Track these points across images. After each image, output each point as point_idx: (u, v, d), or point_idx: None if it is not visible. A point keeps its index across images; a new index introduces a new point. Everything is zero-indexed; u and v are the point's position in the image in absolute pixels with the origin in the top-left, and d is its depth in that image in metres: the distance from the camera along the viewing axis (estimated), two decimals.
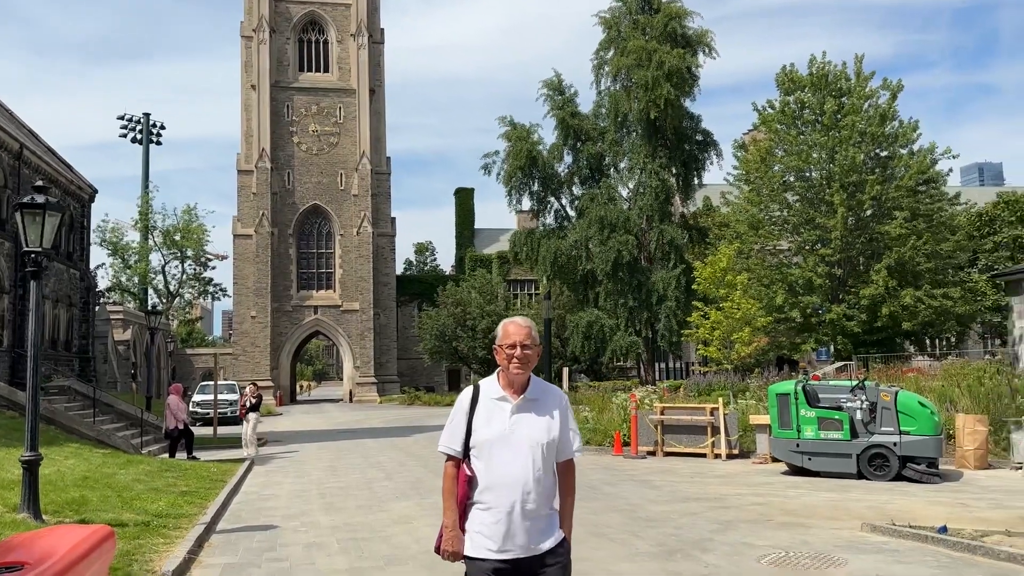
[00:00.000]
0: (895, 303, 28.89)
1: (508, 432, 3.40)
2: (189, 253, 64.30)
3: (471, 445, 3.45)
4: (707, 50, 37.33)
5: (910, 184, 29.65)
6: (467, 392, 3.60)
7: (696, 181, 38.54)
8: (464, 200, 71.17)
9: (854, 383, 14.23)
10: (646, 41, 35.93)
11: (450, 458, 3.53)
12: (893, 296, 29.03)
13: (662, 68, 34.98)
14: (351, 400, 61.10)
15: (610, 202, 38.14)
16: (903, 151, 30.81)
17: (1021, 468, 13.41)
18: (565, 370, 27.56)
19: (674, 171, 37.56)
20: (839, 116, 30.20)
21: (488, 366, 53.77)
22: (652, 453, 17.78)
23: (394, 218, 66.31)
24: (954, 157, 31.22)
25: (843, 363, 27.29)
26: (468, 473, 3.44)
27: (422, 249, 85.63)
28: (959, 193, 34.15)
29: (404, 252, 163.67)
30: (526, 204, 41.89)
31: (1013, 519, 9.30)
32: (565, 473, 3.56)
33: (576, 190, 41.72)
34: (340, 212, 63.26)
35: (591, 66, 39.80)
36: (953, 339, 37.53)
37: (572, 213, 41.42)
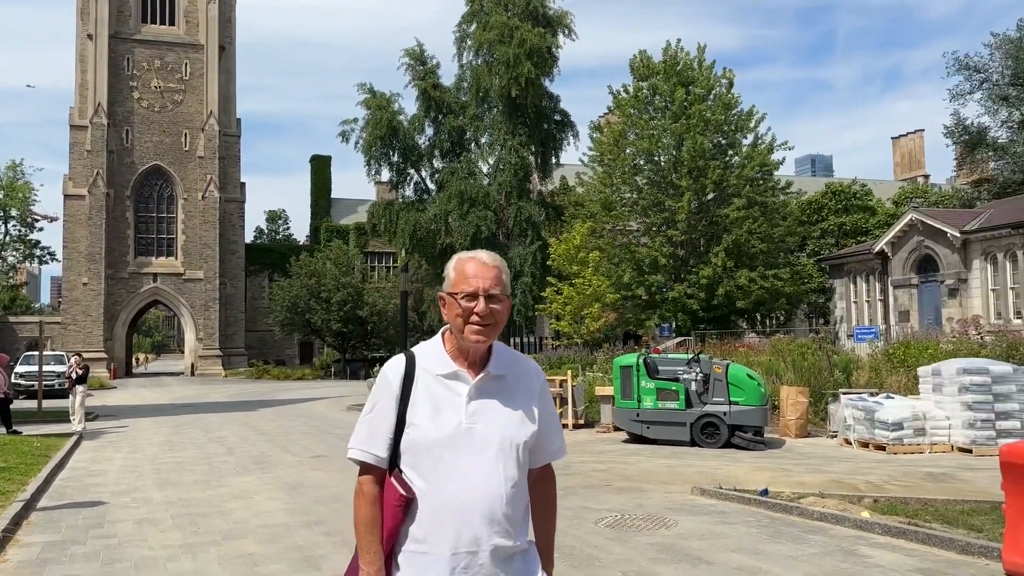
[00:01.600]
0: (731, 283, 30.72)
1: (465, 428, 2.19)
2: (14, 213, 58.98)
3: (403, 449, 2.23)
4: (567, 31, 37.93)
5: (749, 174, 31.49)
6: (395, 365, 2.30)
7: (554, 160, 39.23)
8: (320, 168, 69.07)
9: (690, 356, 15.05)
10: (508, 17, 36.03)
11: (367, 469, 2.26)
12: (729, 276, 30.84)
13: (523, 46, 35.23)
14: (193, 374, 58.36)
15: (470, 177, 38.17)
16: (745, 141, 32.65)
17: (836, 436, 14.66)
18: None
19: (533, 149, 38.02)
20: (687, 104, 31.58)
21: (343, 341, 52.90)
22: None
23: (244, 183, 63.51)
24: (790, 149, 33.45)
25: (682, 338, 28.77)
26: (401, 493, 2.19)
27: (275, 217, 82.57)
28: (791, 182, 36.60)
29: (255, 220, 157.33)
30: (385, 175, 41.22)
31: (826, 482, 10.17)
32: (543, 484, 2.40)
33: (437, 163, 41.44)
34: (184, 174, 59.87)
35: (454, 38, 39.55)
36: (782, 318, 40.38)
37: (432, 186, 41.14)
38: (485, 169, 39.34)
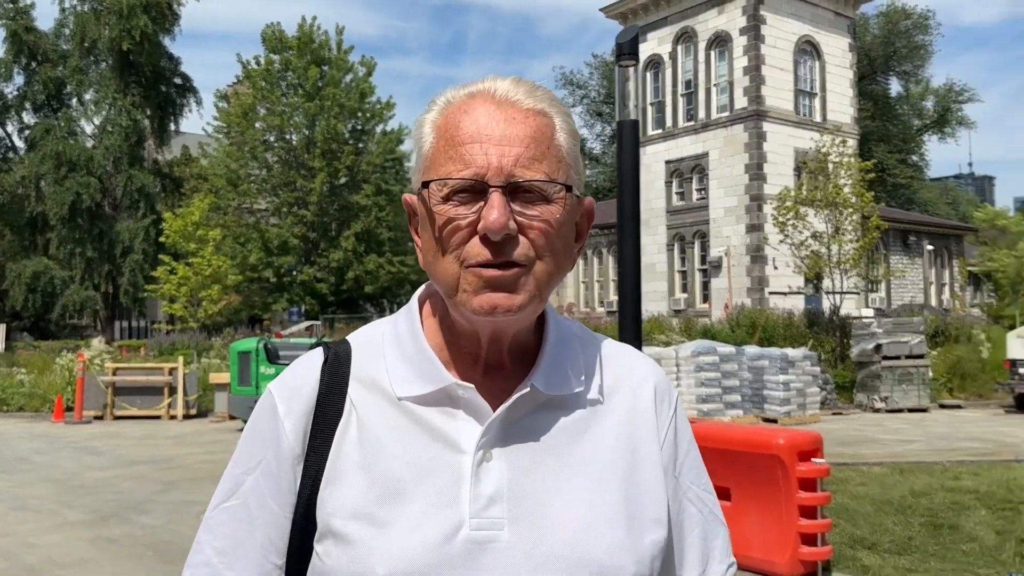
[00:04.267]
0: (360, 268, 31.23)
1: (470, 544, 0.86)
2: None
3: None
4: None
5: (378, 161, 32.23)
6: (294, 382, 0.98)
7: (173, 127, 36.19)
8: None
9: (313, 340, 14.96)
10: None
11: None
12: (359, 261, 31.31)
13: None
14: None
15: (70, 136, 33.60)
16: (378, 129, 33.32)
17: None
18: (2, 327, 23.59)
19: (149, 112, 34.63)
20: (321, 84, 31.30)
21: None
22: (100, 418, 16.29)
23: None
24: None
25: (311, 323, 28.55)
26: None
27: None
28: None
29: None
30: None
31: None
32: None
33: (28, 118, 35.82)
34: None
35: None
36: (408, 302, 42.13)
37: (21, 144, 35.47)
38: (89, 130, 34.97)
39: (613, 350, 1.02)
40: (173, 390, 16.44)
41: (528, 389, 0.90)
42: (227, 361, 17.84)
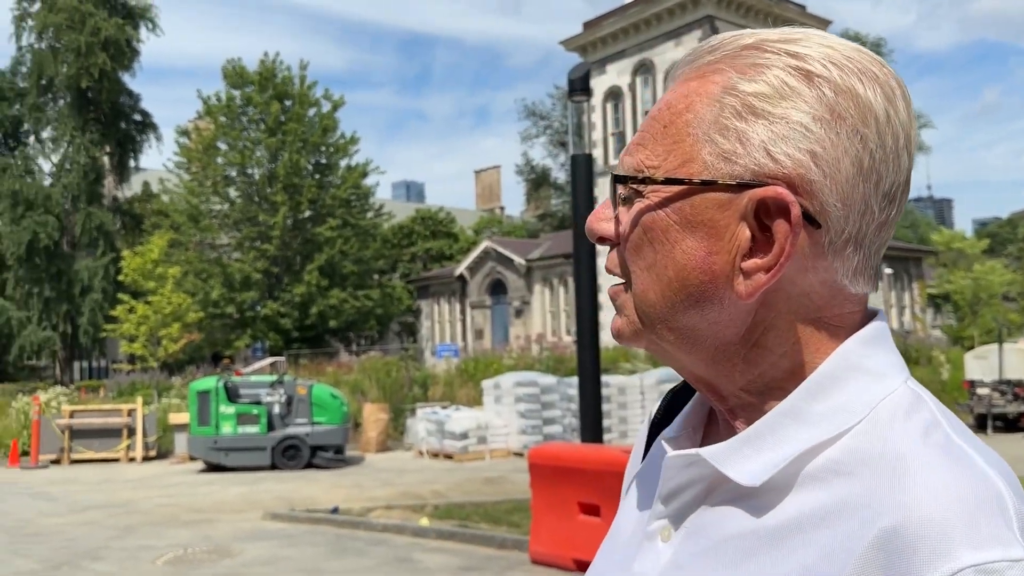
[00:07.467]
0: (324, 302, 30.98)
1: None
2: None
3: None
4: (151, 25, 35.16)
5: (343, 195, 32.17)
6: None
7: (133, 163, 35.87)
8: None
9: (274, 378, 14.74)
10: (80, 2, 32.20)
11: None
12: (323, 295, 31.07)
13: (98, 35, 31.74)
14: None
15: (27, 175, 33.15)
16: (343, 163, 33.31)
17: (412, 449, 15.47)
18: None
19: (108, 149, 34.33)
20: (283, 119, 31.27)
21: None
22: (57, 462, 15.83)
23: None
24: (382, 173, 34.98)
25: (275, 359, 28.19)
26: None
27: None
28: (383, 205, 38.24)
29: None
30: None
31: (396, 494, 10.64)
32: None
33: None
34: None
35: (12, 16, 34.20)
36: (375, 336, 41.82)
37: None
38: (47, 168, 34.52)
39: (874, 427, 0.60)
40: (132, 432, 16.06)
41: (690, 452, 0.64)
42: (187, 401, 17.51)
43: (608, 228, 0.67)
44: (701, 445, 0.68)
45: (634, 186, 0.64)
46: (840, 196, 0.59)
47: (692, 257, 0.62)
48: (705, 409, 0.73)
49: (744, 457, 0.61)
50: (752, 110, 0.60)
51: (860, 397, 0.61)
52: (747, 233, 0.60)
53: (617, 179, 0.65)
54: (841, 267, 0.61)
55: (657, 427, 0.77)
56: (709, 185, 0.61)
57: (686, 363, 0.66)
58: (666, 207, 0.63)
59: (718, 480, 0.63)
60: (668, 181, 0.62)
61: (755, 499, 0.61)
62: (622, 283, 0.67)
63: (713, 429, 0.71)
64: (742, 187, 0.60)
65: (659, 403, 0.80)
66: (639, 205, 0.64)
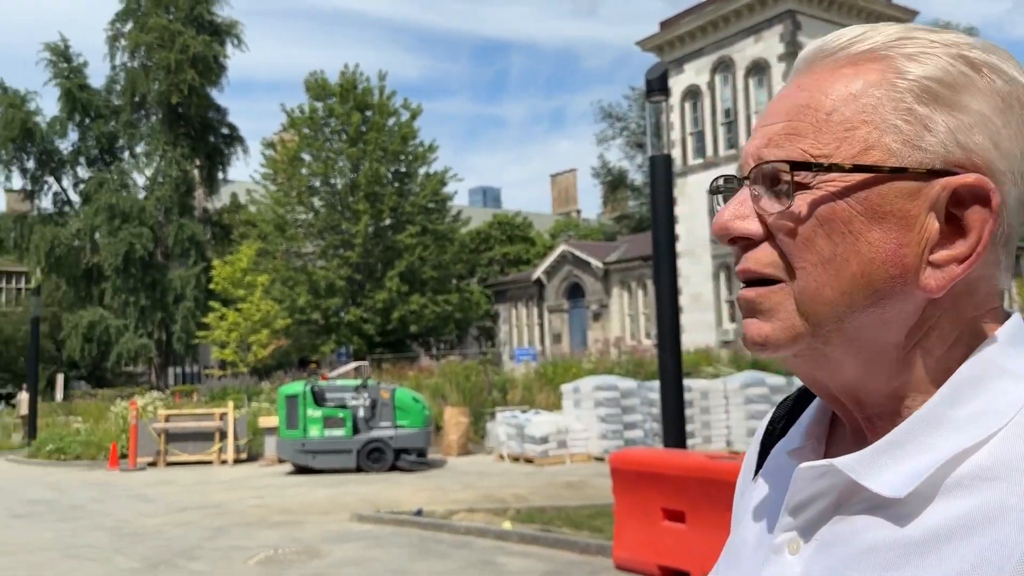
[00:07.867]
0: (405, 308, 31.49)
1: None
2: None
3: None
4: (236, 41, 36.49)
5: (422, 202, 32.68)
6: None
7: (221, 176, 37.29)
8: None
9: (358, 382, 15.04)
10: (169, 21, 33.67)
11: None
12: (404, 301, 31.59)
13: (187, 52, 33.12)
14: None
15: (123, 189, 34.80)
16: (421, 171, 33.85)
17: (493, 452, 15.54)
18: (60, 377, 24.27)
19: (198, 163, 35.79)
20: (364, 129, 31.96)
21: None
22: (153, 464, 16.54)
23: None
24: (460, 180, 35.43)
25: (358, 363, 28.82)
26: None
27: None
28: (461, 211, 38.63)
29: None
30: (17, 183, 36.03)
31: (478, 497, 10.68)
32: None
33: (82, 172, 37.20)
34: None
35: (106, 37, 36.02)
36: (455, 340, 42.26)
37: (76, 198, 36.78)
38: (141, 181, 36.18)
39: None
40: (224, 435, 16.64)
41: (824, 463, 0.60)
42: (276, 404, 18.05)
43: (751, 226, 0.62)
44: (825, 456, 0.66)
45: (798, 179, 0.59)
46: (1016, 185, 0.59)
47: (881, 250, 0.58)
48: (827, 418, 0.69)
49: (883, 467, 0.58)
50: (933, 96, 0.58)
51: (1003, 399, 0.58)
52: (936, 224, 0.58)
53: (796, 166, 0.59)
54: (1003, 260, 0.60)
55: (769, 438, 0.75)
56: (899, 173, 0.58)
57: (839, 370, 0.61)
58: (847, 197, 0.58)
59: (850, 491, 0.60)
60: (856, 168, 0.58)
61: (895, 509, 0.58)
62: (769, 285, 0.61)
63: (834, 439, 0.68)
64: (932, 175, 0.58)
65: (770, 415, 0.78)
66: (810, 196, 0.59)
